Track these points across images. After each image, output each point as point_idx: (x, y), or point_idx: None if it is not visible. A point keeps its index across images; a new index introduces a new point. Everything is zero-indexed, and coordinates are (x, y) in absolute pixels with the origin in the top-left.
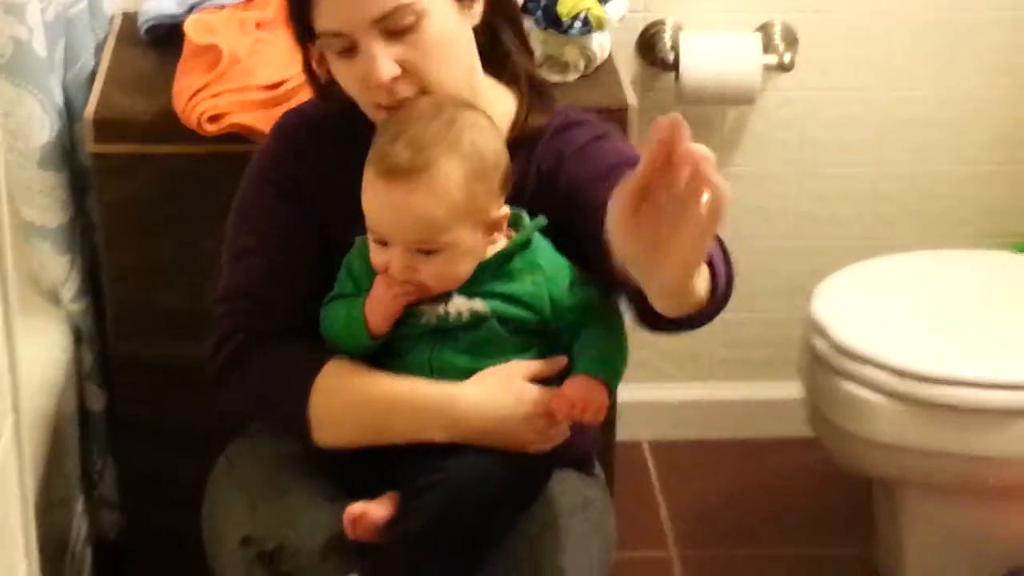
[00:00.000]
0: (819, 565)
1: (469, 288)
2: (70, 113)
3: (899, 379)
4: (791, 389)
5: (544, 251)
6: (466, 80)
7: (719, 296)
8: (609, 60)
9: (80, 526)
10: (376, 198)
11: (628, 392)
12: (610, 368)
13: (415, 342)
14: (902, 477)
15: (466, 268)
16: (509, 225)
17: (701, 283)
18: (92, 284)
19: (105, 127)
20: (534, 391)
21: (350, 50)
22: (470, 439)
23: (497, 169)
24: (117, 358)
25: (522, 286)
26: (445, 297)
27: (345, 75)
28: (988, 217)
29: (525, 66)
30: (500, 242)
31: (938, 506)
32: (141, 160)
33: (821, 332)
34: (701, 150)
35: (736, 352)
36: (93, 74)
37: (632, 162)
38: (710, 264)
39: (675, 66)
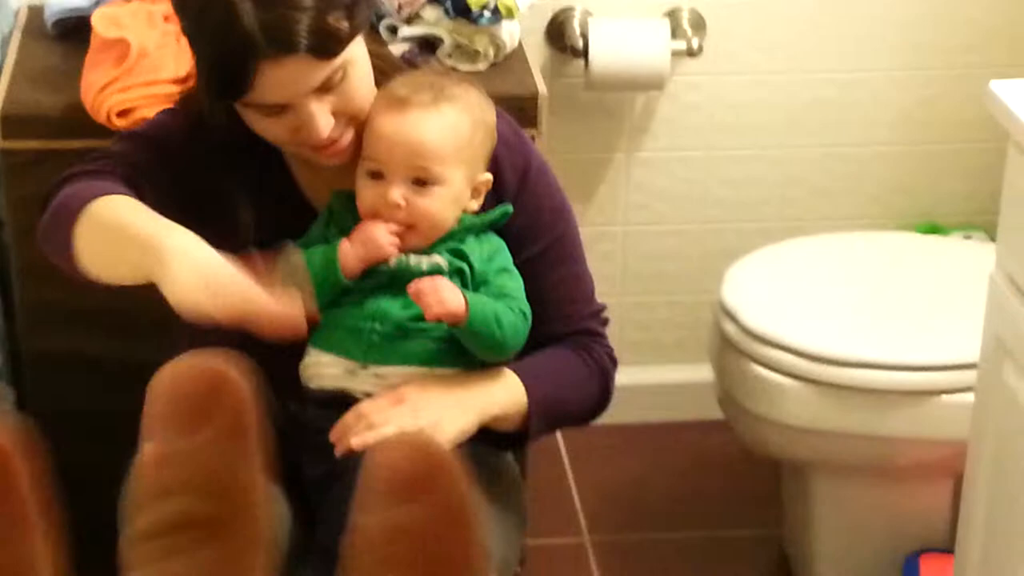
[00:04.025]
0: (732, 546)
1: (432, 247)
2: None
3: (807, 362)
4: (702, 372)
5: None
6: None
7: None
8: (519, 48)
9: None
10: (388, 124)
11: None
12: (488, 312)
13: (368, 293)
14: (811, 459)
15: (449, 216)
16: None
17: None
18: (0, 281)
19: (13, 123)
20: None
21: (281, 109)
22: (184, 284)
23: (490, 138)
24: (27, 355)
25: (475, 249)
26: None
27: (270, 128)
28: (896, 196)
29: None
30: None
31: (846, 488)
32: (50, 155)
33: (731, 316)
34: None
35: (647, 335)
36: None
37: None
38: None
39: (584, 52)
